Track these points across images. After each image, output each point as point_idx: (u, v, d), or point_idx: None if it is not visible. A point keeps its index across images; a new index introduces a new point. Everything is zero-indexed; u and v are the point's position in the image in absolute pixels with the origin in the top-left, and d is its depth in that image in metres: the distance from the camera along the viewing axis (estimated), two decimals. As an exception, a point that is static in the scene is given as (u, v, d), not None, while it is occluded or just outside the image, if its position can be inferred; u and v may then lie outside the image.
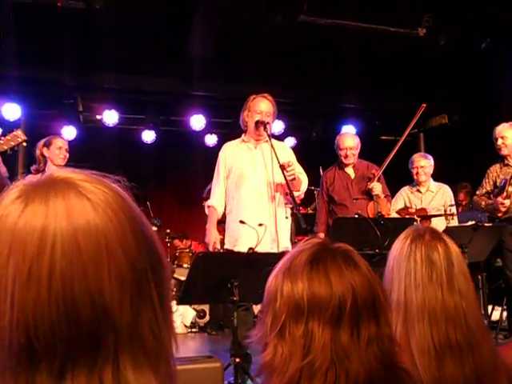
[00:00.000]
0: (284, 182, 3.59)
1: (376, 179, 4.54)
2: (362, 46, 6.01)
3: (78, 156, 4.49)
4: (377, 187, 4.48)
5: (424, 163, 4.99)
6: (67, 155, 4.17)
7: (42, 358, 0.57)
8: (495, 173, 4.77)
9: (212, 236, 3.79)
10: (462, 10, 5.64)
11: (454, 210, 4.89)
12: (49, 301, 0.56)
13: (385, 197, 4.59)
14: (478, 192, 4.93)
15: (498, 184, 4.70)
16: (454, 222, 4.80)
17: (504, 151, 4.69)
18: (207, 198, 4.43)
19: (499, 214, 4.51)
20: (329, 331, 0.92)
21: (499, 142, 4.70)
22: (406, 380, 0.97)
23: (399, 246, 1.45)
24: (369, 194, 4.55)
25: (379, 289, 0.99)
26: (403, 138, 4.83)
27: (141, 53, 6.35)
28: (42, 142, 4.19)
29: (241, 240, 3.66)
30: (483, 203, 4.75)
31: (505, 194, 4.50)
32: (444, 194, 5.01)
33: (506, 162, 4.74)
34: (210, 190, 4.89)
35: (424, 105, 4.82)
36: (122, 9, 5.40)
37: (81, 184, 0.63)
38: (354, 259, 1.01)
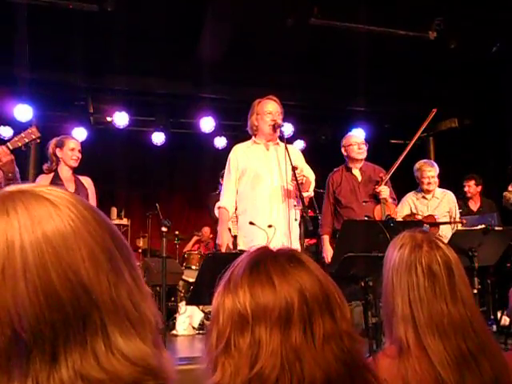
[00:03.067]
0: (295, 183, 3.61)
1: (384, 183, 4.53)
2: (372, 48, 6.00)
3: (89, 157, 4.52)
4: (384, 191, 4.47)
5: (433, 172, 5.02)
6: (80, 156, 4.17)
7: (32, 347, 0.59)
8: None
9: (224, 238, 3.80)
10: (472, 14, 5.62)
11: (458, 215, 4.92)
12: (27, 293, 0.59)
13: (392, 201, 4.58)
14: (510, 187, 4.91)
15: None
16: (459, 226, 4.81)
17: None
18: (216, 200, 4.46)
19: None
20: (278, 335, 0.86)
21: None
22: (372, 380, 0.91)
23: (397, 256, 1.44)
24: (375, 197, 4.55)
25: (331, 286, 0.93)
26: (412, 142, 4.82)
27: (151, 55, 6.39)
28: (54, 141, 4.19)
29: (256, 241, 3.65)
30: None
31: None
32: (449, 201, 5.03)
33: None
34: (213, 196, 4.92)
35: (434, 110, 4.80)
36: (134, 11, 5.44)
37: (35, 189, 0.67)
38: (300, 258, 0.95)
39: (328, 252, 4.47)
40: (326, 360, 0.86)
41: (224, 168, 4.09)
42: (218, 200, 4.02)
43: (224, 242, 3.79)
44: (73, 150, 4.15)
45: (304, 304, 0.88)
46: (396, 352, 1.36)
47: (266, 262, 0.93)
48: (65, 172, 4.14)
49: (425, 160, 5.26)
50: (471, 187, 6.39)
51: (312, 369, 0.85)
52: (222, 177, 4.45)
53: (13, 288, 0.59)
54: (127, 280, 0.66)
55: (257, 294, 0.89)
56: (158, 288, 5.38)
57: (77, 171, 4.27)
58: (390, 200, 4.52)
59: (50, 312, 0.59)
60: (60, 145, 4.15)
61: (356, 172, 4.73)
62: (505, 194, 4.94)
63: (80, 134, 7.29)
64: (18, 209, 0.63)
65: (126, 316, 0.64)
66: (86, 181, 4.23)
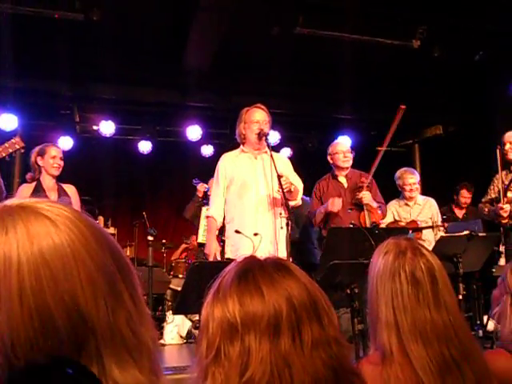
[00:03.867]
0: (281, 192, 3.63)
1: (365, 188, 4.54)
2: (357, 57, 6.06)
3: (75, 166, 4.50)
4: (366, 196, 4.47)
5: (414, 180, 5.13)
6: (62, 164, 4.14)
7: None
8: (500, 180, 4.82)
9: (212, 247, 3.81)
10: (455, 23, 5.71)
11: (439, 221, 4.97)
12: (22, 317, 0.57)
13: (379, 206, 4.59)
14: (483, 199, 4.99)
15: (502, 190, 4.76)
16: (441, 233, 4.87)
17: (511, 156, 4.76)
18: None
19: (503, 221, 4.56)
20: (267, 343, 0.87)
21: (507, 146, 4.78)
22: None
23: (382, 263, 1.45)
24: (361, 204, 4.56)
25: (318, 293, 0.94)
26: (388, 138, 4.77)
27: (138, 64, 6.39)
28: (36, 149, 4.17)
29: (243, 249, 3.66)
30: (486, 210, 4.81)
31: (505, 199, 4.55)
32: (431, 207, 5.13)
33: (511, 168, 4.81)
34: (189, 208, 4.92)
35: (403, 107, 4.80)
36: (120, 21, 5.44)
37: (36, 205, 0.65)
38: (287, 266, 0.96)
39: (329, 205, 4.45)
40: (314, 366, 0.87)
41: (212, 176, 4.11)
42: (194, 208, 4.04)
43: (212, 251, 3.79)
44: (54, 157, 4.12)
45: (292, 311, 0.89)
46: (379, 358, 1.36)
47: (254, 271, 0.94)
48: (47, 181, 4.11)
49: (405, 168, 5.34)
50: (469, 198, 6.44)
51: (301, 375, 0.86)
52: (195, 187, 4.52)
53: (7, 311, 0.57)
54: (126, 303, 0.65)
55: (246, 302, 0.89)
56: (144, 297, 5.34)
57: (63, 180, 4.25)
58: (374, 205, 4.52)
59: (45, 339, 0.58)
60: (41, 153, 4.12)
61: (342, 179, 4.76)
62: (480, 205, 5.02)
63: (66, 142, 7.26)
64: (18, 227, 0.62)
65: (123, 343, 0.62)
66: (70, 189, 4.20)
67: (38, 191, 3.95)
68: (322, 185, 4.80)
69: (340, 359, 0.91)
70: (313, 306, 0.91)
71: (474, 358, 1.34)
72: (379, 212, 4.54)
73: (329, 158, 4.84)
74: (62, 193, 4.11)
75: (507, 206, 4.55)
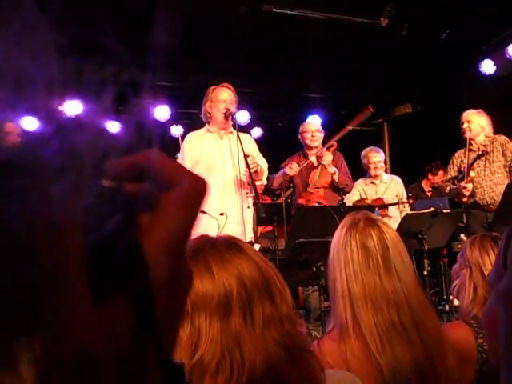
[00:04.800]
0: (248, 171, 3.62)
1: (327, 148, 4.57)
2: (325, 35, 6.03)
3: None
4: (326, 157, 4.51)
5: (379, 158, 5.20)
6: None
7: None
8: (459, 158, 4.90)
9: None
10: (422, 1, 5.72)
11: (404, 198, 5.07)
12: None
13: (334, 173, 4.56)
14: (443, 178, 5.07)
15: (461, 169, 4.83)
16: (406, 210, 4.95)
17: (468, 134, 4.84)
18: None
19: (464, 199, 4.64)
20: (217, 323, 0.87)
21: (465, 125, 4.86)
22: (313, 362, 0.91)
23: (337, 236, 1.49)
24: (332, 184, 4.59)
25: (271, 271, 0.94)
26: (343, 132, 4.89)
27: (101, 44, 6.24)
28: None
29: (210, 229, 3.63)
30: (448, 188, 4.89)
31: (468, 178, 4.63)
32: (396, 185, 5.22)
33: (470, 147, 4.86)
34: None
35: (370, 108, 4.89)
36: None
37: None
38: (239, 245, 0.96)
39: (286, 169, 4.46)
40: (265, 345, 0.87)
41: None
42: None
43: None
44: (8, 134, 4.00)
45: (243, 290, 0.88)
46: (338, 334, 1.39)
47: (205, 250, 0.93)
48: None
49: (371, 147, 5.42)
50: (436, 179, 6.54)
51: (252, 354, 0.86)
52: None
53: None
54: None
55: (196, 283, 0.88)
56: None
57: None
58: (331, 170, 4.53)
59: None
60: None
61: (313, 158, 4.78)
62: (440, 184, 5.12)
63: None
64: None
65: None
66: None
67: None
68: (292, 161, 4.83)
69: (293, 337, 0.90)
70: (265, 284, 0.90)
71: (425, 327, 1.37)
72: (334, 178, 4.54)
73: (299, 136, 4.88)
74: None
75: (470, 185, 4.63)
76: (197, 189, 0.38)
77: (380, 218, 1.57)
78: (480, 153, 4.72)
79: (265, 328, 0.88)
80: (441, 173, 6.49)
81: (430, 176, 6.60)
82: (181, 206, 0.36)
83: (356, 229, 1.45)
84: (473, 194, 4.64)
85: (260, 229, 6.00)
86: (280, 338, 0.88)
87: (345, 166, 4.79)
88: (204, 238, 0.97)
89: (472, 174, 4.64)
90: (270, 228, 5.82)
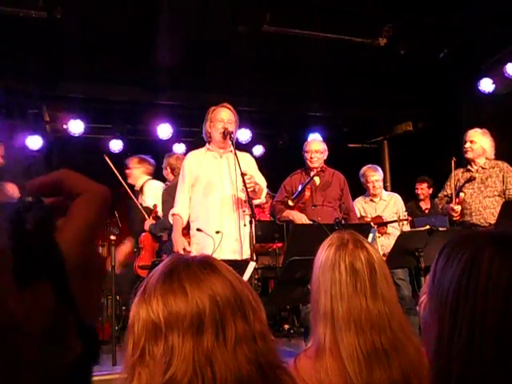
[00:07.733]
0: (244, 190, 3.66)
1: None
2: (325, 55, 6.11)
3: (45, 166, 4.46)
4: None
5: (377, 177, 5.19)
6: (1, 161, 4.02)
7: None
8: (457, 176, 4.85)
9: (179, 243, 3.83)
10: (420, 21, 5.80)
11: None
12: None
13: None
14: (439, 194, 5.07)
15: (456, 188, 4.83)
16: (407, 228, 4.94)
17: (469, 155, 4.79)
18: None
19: (455, 218, 4.65)
20: (190, 341, 0.88)
21: (467, 145, 4.80)
22: (285, 379, 0.93)
23: (324, 255, 1.48)
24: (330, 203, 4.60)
25: (245, 289, 0.95)
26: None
27: (106, 62, 6.34)
28: None
29: (208, 248, 3.68)
30: (440, 206, 4.89)
31: (455, 200, 4.63)
32: (396, 202, 5.20)
33: (468, 167, 4.85)
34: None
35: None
36: (84, 18, 5.39)
37: None
38: (213, 264, 0.97)
39: (295, 215, 4.48)
40: (237, 362, 0.88)
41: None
42: (138, 212, 4.10)
43: (179, 247, 3.81)
44: None
45: (216, 309, 0.90)
46: (314, 352, 1.39)
47: (179, 270, 0.94)
48: None
49: (369, 165, 5.40)
50: (424, 189, 6.56)
51: (223, 372, 0.86)
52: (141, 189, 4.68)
53: None
54: None
55: (169, 302, 0.90)
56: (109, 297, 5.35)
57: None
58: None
59: None
60: None
61: (315, 177, 4.78)
62: (436, 200, 5.11)
63: (35, 142, 7.18)
64: None
65: None
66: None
67: None
68: (294, 178, 4.85)
69: (265, 354, 0.91)
70: (238, 302, 0.92)
71: (405, 351, 1.36)
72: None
73: (303, 153, 4.90)
74: None
75: (458, 208, 4.62)
76: (98, 194, 0.52)
77: (365, 239, 1.57)
78: (469, 177, 4.72)
79: (237, 345, 0.89)
80: (424, 185, 6.53)
81: (417, 185, 6.64)
82: (85, 208, 0.49)
83: (346, 250, 1.44)
84: (462, 214, 4.66)
85: (267, 246, 6.05)
86: (252, 355, 0.89)
87: (350, 198, 4.81)
88: (178, 258, 0.99)
89: (462, 195, 4.63)
90: (278, 245, 5.85)
